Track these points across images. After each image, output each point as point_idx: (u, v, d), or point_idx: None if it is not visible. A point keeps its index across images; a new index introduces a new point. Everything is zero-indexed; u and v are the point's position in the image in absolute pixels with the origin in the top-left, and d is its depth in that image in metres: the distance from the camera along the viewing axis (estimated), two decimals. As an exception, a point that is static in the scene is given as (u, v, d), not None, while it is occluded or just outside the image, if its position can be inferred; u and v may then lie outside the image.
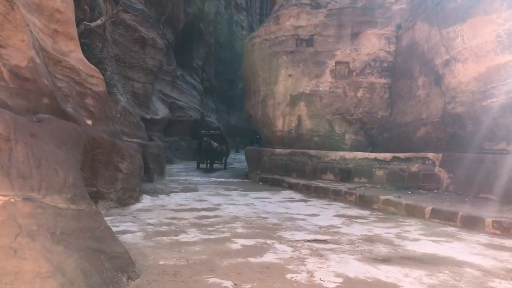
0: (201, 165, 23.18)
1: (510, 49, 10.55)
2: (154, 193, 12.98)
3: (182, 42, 27.97)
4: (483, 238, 7.69)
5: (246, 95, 23.65)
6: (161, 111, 22.77)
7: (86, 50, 12.05)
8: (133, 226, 8.21)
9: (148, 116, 19.77)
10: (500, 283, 5.17)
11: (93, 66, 9.92)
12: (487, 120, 11.72)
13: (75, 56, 9.19)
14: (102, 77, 10.14)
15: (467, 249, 6.89)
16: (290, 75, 18.39)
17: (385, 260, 6.13)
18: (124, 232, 7.50)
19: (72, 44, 9.25)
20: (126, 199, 10.63)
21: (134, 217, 9.21)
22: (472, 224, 8.48)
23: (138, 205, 10.78)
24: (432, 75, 14.47)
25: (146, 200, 11.58)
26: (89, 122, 9.25)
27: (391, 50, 17.57)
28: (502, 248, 6.98)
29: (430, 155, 13.60)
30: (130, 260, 5.20)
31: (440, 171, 13.16)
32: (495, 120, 11.43)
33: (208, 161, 22.23)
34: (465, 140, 12.73)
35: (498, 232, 7.93)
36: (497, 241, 7.45)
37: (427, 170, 13.48)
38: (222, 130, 25.85)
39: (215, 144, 21.81)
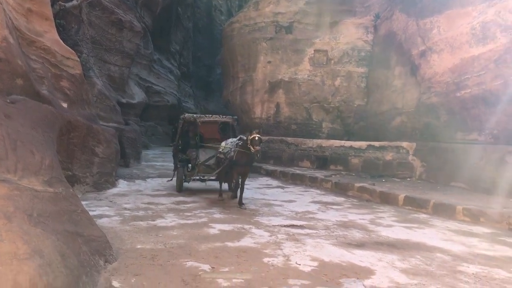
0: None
1: (483, 42, 10.79)
2: (130, 178, 12.88)
3: (160, 26, 27.55)
4: (453, 224, 7.94)
5: (224, 81, 23.56)
6: (138, 95, 22.46)
7: (62, 31, 11.75)
8: (109, 210, 8.16)
9: (124, 100, 19.44)
10: (468, 267, 5.37)
11: (69, 48, 9.71)
12: (460, 110, 12.01)
13: (50, 37, 8.96)
14: (78, 59, 9.94)
15: (438, 235, 7.11)
16: (269, 62, 18.38)
17: (359, 245, 6.28)
18: (100, 216, 7.45)
19: (47, 25, 9.01)
20: (102, 183, 10.53)
21: (111, 201, 9.15)
22: (443, 211, 8.74)
23: (115, 190, 10.69)
24: (408, 65, 14.69)
25: (123, 185, 11.49)
26: (65, 105, 9.08)
27: (369, 39, 17.73)
28: (471, 234, 7.23)
29: (404, 144, 13.87)
30: (107, 244, 5.20)
31: (413, 160, 13.45)
32: (468, 111, 11.72)
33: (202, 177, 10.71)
34: (439, 130, 13.03)
35: (467, 219, 8.20)
36: (466, 227, 7.71)
37: (401, 159, 13.76)
38: (231, 116, 11.93)
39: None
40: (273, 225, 7.43)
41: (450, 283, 4.73)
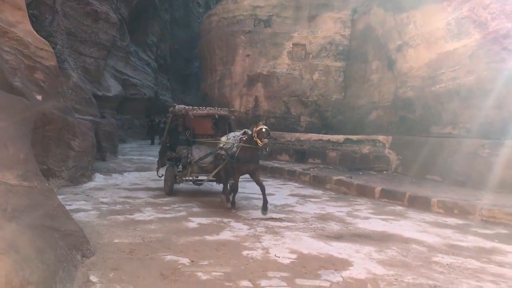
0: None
1: (458, 37, 11.00)
2: (107, 171, 12.71)
3: (136, 18, 27.12)
4: (428, 216, 8.11)
5: (202, 74, 23.40)
6: (114, 88, 22.10)
7: (35, 22, 11.47)
8: (86, 204, 8.05)
9: (100, 93, 19.10)
10: (443, 257, 5.50)
11: (43, 39, 9.48)
12: (435, 105, 12.24)
13: (23, 27, 8.74)
14: (52, 50, 9.72)
15: (413, 227, 7.25)
16: (247, 55, 18.34)
17: (337, 237, 6.35)
18: (77, 210, 7.34)
19: (20, 15, 8.78)
20: (79, 177, 10.37)
21: (87, 195, 9.02)
22: (418, 203, 8.91)
23: (91, 184, 10.54)
24: (385, 60, 14.87)
25: (99, 179, 11.34)
26: (39, 97, 8.88)
27: (346, 34, 17.85)
28: (446, 225, 7.40)
29: (381, 137, 14.06)
30: (84, 238, 5.13)
31: (389, 153, 13.66)
32: (443, 105, 11.95)
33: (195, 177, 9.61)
34: (414, 124, 13.25)
35: (442, 211, 8.38)
36: (441, 219, 7.88)
37: (378, 152, 13.95)
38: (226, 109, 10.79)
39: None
40: (252, 218, 7.45)
41: (425, 274, 4.83)
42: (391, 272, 4.87)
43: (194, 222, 7.02)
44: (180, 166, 9.64)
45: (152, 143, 25.21)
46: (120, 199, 8.84)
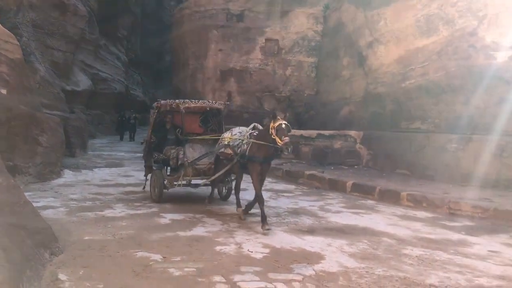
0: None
1: (427, 34, 11.22)
2: (76, 168, 12.42)
3: (106, 10, 26.52)
4: (398, 210, 8.27)
5: (174, 68, 23.18)
6: (83, 82, 21.59)
7: (-1, 13, 11.09)
8: (55, 201, 7.85)
9: (69, 87, 18.61)
10: (412, 250, 5.61)
11: (7, 31, 9.18)
12: (405, 100, 12.47)
13: (-13, 18, 8.44)
14: (17, 43, 9.43)
15: (384, 220, 7.38)
16: (220, 50, 18.24)
17: (310, 231, 6.40)
18: (45, 207, 7.16)
19: (-17, 5, 8.47)
20: (47, 174, 10.11)
21: (56, 192, 8.80)
22: (388, 197, 9.08)
23: (60, 180, 10.29)
24: (356, 56, 15.04)
25: (69, 175, 11.07)
26: (4, 91, 8.61)
27: (319, 29, 17.97)
28: (415, 219, 7.56)
29: (352, 132, 14.24)
30: (53, 236, 5.00)
31: (360, 148, 13.85)
32: (412, 101, 12.19)
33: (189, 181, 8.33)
34: (385, 119, 13.47)
35: (411, 204, 8.57)
36: (411, 212, 8.05)
37: (349, 147, 14.12)
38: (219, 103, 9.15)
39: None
40: (225, 214, 7.44)
41: (395, 266, 4.92)
42: (362, 265, 4.94)
43: (166, 218, 6.95)
44: (169, 169, 8.59)
45: (121, 139, 24.80)
46: (90, 195, 8.66)
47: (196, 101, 8.52)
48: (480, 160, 9.68)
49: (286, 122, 6.32)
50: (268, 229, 6.19)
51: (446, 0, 10.60)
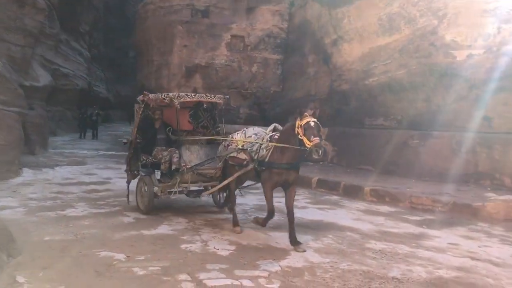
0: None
1: (390, 32, 11.45)
2: (36, 166, 12.03)
3: (67, 4, 25.76)
4: (362, 205, 8.42)
5: (138, 64, 22.75)
6: (43, 78, 20.86)
7: (-49, 4, 10.56)
8: (13, 201, 7.59)
9: (27, 83, 17.92)
10: (375, 244, 5.73)
11: (-39, 23, 8.75)
12: (368, 97, 12.70)
13: None
14: (-29, 36, 9.01)
15: (348, 215, 7.51)
16: (185, 46, 18.02)
17: (276, 227, 6.44)
18: (2, 208, 6.92)
19: None
20: (4, 173, 9.75)
21: (14, 191, 8.50)
22: (353, 192, 9.24)
23: (18, 179, 9.95)
24: (321, 54, 15.19)
25: (28, 174, 10.72)
26: (-43, 86, 8.21)
27: (284, 27, 18.04)
28: (378, 213, 7.72)
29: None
30: (10, 237, 4.82)
31: (325, 144, 14.00)
32: (375, 98, 12.43)
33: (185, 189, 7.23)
34: (349, 116, 13.68)
35: (374, 199, 8.75)
36: (374, 207, 8.22)
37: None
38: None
39: None
40: (191, 212, 7.39)
41: (359, 260, 5.01)
42: (327, 259, 5.00)
43: (130, 217, 6.84)
44: (159, 174, 7.39)
45: (83, 136, 24.15)
46: (51, 194, 8.42)
47: (192, 95, 7.59)
48: (440, 156, 9.99)
49: (315, 120, 5.33)
50: (303, 251, 5.26)
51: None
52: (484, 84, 9.47)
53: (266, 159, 5.74)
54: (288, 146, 5.49)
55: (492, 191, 8.49)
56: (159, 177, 7.30)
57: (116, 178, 10.76)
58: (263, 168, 5.80)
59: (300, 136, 5.27)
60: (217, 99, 7.51)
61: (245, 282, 4.20)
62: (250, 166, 6.00)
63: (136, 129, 7.47)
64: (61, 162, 13.59)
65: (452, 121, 10.06)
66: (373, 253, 5.29)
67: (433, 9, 10.24)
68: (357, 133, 12.75)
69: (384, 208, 8.10)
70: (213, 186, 6.96)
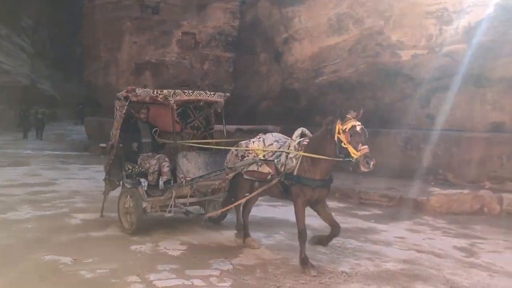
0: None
1: (339, 32, 11.73)
2: (-25, 167, 11.41)
3: (8, -2, 24.65)
4: (313, 201, 8.55)
5: (85, 60, 22.01)
6: (-18, 74, 19.90)
7: None
8: None
9: (-36, 80, 17.02)
10: (326, 239, 5.84)
11: None
12: (318, 96, 12.94)
13: None
14: None
15: (299, 211, 7.59)
16: (135, 43, 17.62)
17: (228, 226, 6.40)
18: None
19: None
20: None
21: (-51, 195, 8.01)
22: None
23: (-46, 182, 9.39)
24: (272, 52, 15.31)
25: (-35, 176, 10.13)
26: None
27: (235, 25, 18.02)
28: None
29: (270, 127, 14.45)
30: None
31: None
32: (325, 96, 12.68)
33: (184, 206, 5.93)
34: (300, 114, 13.87)
35: (325, 195, 8.91)
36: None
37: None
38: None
39: None
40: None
41: (310, 255, 5.04)
42: (278, 256, 5.06)
43: (78, 219, 6.62)
44: (145, 185, 6.20)
45: (25, 136, 23.08)
46: (-9, 197, 8.00)
47: (190, 92, 6.14)
48: (387, 152, 10.32)
49: (360, 124, 4.39)
50: (314, 275, 4.45)
51: (356, 0, 11.13)
52: (427, 83, 9.89)
53: (295, 172, 4.70)
54: (324, 157, 4.49)
55: (436, 186, 8.88)
56: (145, 189, 6.07)
57: (63, 179, 10.39)
58: (293, 182, 4.71)
59: (344, 143, 4.31)
60: (217, 97, 6.37)
61: (196, 282, 4.16)
62: (275, 181, 4.88)
63: (118, 131, 6.15)
64: (2, 163, 12.95)
65: (398, 119, 10.44)
66: (324, 248, 5.37)
67: (379, 10, 10.58)
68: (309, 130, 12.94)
69: (334, 204, 8.26)
70: (213, 201, 5.98)
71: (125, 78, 17.87)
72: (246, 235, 5.52)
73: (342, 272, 4.59)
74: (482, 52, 9.05)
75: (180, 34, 17.61)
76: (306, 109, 13.64)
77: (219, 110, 6.61)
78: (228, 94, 6.73)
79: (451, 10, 9.51)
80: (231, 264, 4.73)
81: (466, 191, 8.08)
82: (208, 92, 6.45)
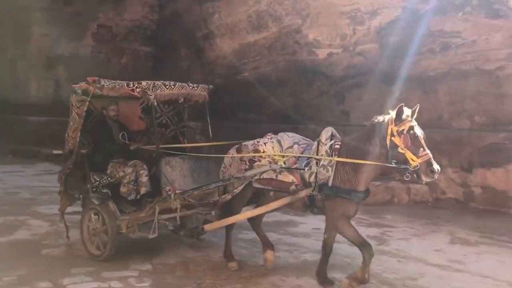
0: None
1: (258, 29, 11.88)
2: None
3: None
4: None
5: (-11, 53, 20.36)
6: None
7: None
8: None
9: None
10: (247, 234, 5.83)
11: None
12: (240, 92, 13.02)
13: None
14: None
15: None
16: (45, 35, 16.56)
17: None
18: None
19: None
20: None
21: None
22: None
23: None
24: (193, 48, 15.16)
25: None
26: None
27: (154, 18, 17.60)
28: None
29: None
30: None
31: (200, 139, 14.03)
32: (247, 93, 12.80)
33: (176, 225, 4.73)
34: (223, 110, 13.87)
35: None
36: (246, 198, 8.48)
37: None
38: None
39: None
40: (54, 214, 6.76)
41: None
42: (200, 253, 5.05)
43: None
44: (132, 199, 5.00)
45: None
46: None
47: (172, 84, 5.03)
48: (305, 147, 10.67)
49: (417, 126, 3.76)
50: None
51: (274, -2, 11.35)
52: (342, 81, 10.35)
53: (330, 182, 3.93)
54: (369, 162, 3.81)
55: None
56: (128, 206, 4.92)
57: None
58: (329, 195, 3.95)
59: (401, 148, 3.66)
60: (201, 90, 5.53)
61: (114, 284, 4.05)
62: (304, 193, 4.05)
63: (79, 133, 5.04)
64: None
65: (315, 115, 10.81)
66: (245, 243, 5.46)
67: (297, 8, 10.86)
68: (229, 127, 12.96)
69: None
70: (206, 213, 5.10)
71: (35, 72, 16.81)
72: (267, 247, 4.67)
73: (262, 265, 4.68)
74: (391, 51, 9.60)
75: (96, 26, 16.86)
76: (228, 105, 13.67)
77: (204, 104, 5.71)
78: (211, 86, 5.86)
79: (363, 10, 9.97)
80: (151, 263, 4.64)
81: (377, 183, 8.51)
82: (191, 84, 5.40)
